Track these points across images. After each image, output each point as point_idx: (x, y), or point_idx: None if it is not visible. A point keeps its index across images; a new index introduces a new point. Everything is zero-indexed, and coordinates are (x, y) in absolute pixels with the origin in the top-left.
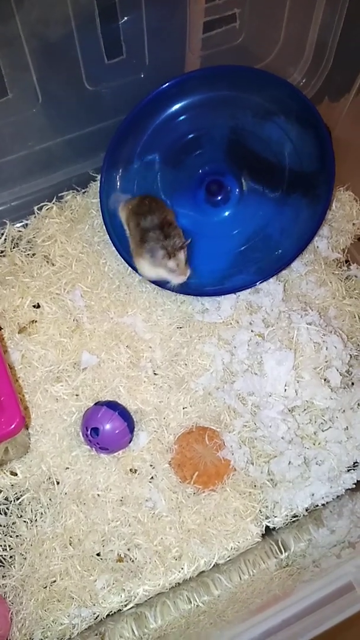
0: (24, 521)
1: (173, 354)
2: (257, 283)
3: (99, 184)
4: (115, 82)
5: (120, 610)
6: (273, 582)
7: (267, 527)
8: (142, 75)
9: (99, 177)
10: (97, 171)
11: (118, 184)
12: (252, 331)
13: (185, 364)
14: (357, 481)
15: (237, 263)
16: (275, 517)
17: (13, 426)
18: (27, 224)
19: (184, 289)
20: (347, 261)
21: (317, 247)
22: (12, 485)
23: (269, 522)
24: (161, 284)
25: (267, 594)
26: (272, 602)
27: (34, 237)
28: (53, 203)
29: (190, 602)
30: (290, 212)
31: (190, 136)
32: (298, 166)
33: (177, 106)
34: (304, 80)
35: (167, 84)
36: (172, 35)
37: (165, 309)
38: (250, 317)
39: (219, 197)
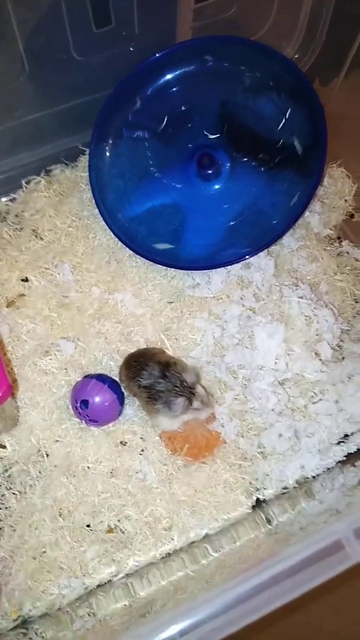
0: (13, 493)
1: (164, 328)
2: (248, 256)
3: (88, 158)
4: (104, 53)
5: (110, 580)
6: (260, 548)
7: (257, 499)
8: (132, 46)
9: (87, 150)
10: (86, 145)
11: (108, 157)
12: (243, 305)
13: (176, 339)
14: (348, 453)
15: (229, 237)
16: (265, 489)
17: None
18: (15, 198)
19: (176, 264)
20: (338, 237)
21: (309, 223)
22: (1, 458)
23: (259, 494)
24: (152, 257)
25: (254, 559)
26: (256, 564)
27: (22, 211)
28: (41, 177)
29: (180, 572)
30: (282, 187)
31: (181, 109)
32: (291, 141)
33: (168, 77)
34: (297, 55)
35: (157, 54)
36: (162, 5)
37: (156, 284)
38: (241, 292)
39: (210, 171)
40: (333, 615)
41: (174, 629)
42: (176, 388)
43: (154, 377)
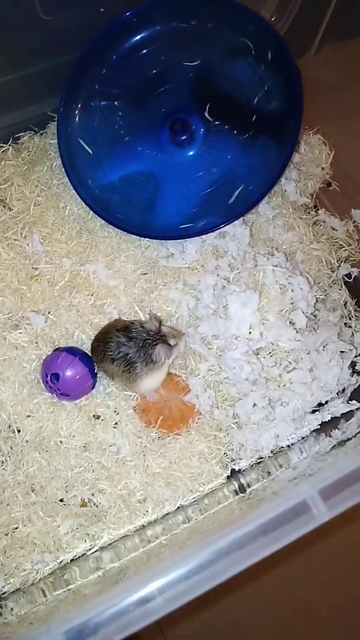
0: None
1: (138, 300)
2: (222, 225)
3: (56, 124)
4: (73, 12)
5: (84, 554)
6: (233, 513)
7: (232, 470)
8: (102, 5)
9: (56, 117)
10: (55, 111)
11: (77, 123)
12: (217, 275)
13: (151, 310)
14: (322, 422)
15: (204, 205)
16: (240, 459)
17: None
18: None
19: (149, 233)
20: (315, 207)
21: (285, 190)
22: None
23: (234, 464)
24: (125, 227)
25: (226, 523)
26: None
27: None
28: (9, 145)
29: (153, 542)
30: (258, 154)
31: (154, 72)
32: (266, 107)
33: (139, 38)
34: (272, 19)
35: (128, 12)
36: None
37: (129, 254)
38: (216, 262)
39: (184, 137)
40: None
41: (147, 589)
42: (147, 340)
43: (123, 345)
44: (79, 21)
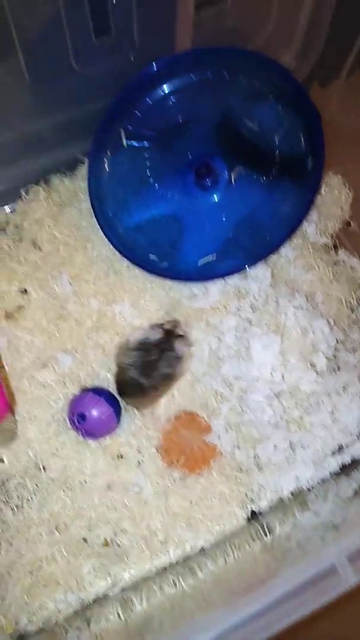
0: (10, 507)
1: None
2: (246, 268)
3: (87, 168)
4: (104, 64)
5: (106, 594)
6: (258, 564)
7: (252, 512)
8: (131, 57)
9: (87, 160)
10: (85, 154)
11: (106, 167)
12: (239, 316)
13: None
14: (342, 465)
15: (227, 247)
16: (260, 500)
17: None
18: (14, 209)
19: (173, 275)
20: (335, 246)
21: (306, 231)
22: None
23: (254, 505)
24: (149, 269)
25: (252, 577)
26: (256, 585)
27: (21, 221)
28: (40, 186)
29: (176, 586)
30: (280, 197)
31: (179, 119)
32: (288, 150)
33: (165, 88)
34: (294, 63)
35: (155, 64)
36: (162, 15)
37: (153, 294)
38: (238, 303)
39: (208, 181)
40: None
41: None
42: (163, 344)
43: (140, 366)
44: (109, 72)
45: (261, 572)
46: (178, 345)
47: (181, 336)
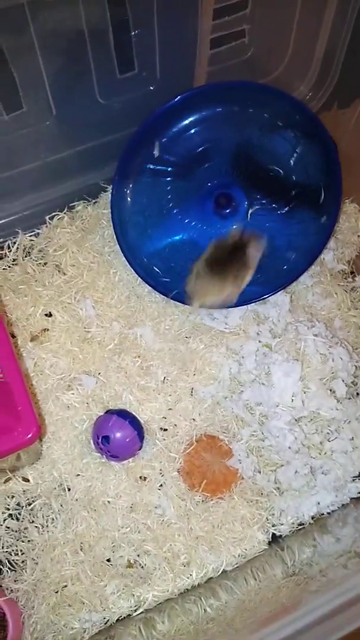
0: (36, 526)
1: (182, 363)
2: (266, 296)
3: (109, 195)
4: (127, 96)
5: (129, 615)
6: (281, 591)
7: (273, 535)
8: (153, 88)
9: (109, 187)
10: (107, 182)
11: (129, 195)
12: (259, 341)
13: (194, 374)
14: None
15: None
16: (281, 524)
17: (29, 436)
18: (39, 233)
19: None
20: (352, 272)
21: (324, 259)
22: (24, 491)
23: (275, 529)
24: (168, 294)
25: (275, 604)
26: (280, 613)
27: (45, 246)
28: (64, 213)
29: (198, 607)
30: (298, 226)
31: (199, 149)
32: (305, 179)
33: (185, 120)
34: (310, 93)
35: (175, 99)
36: (182, 50)
37: (174, 318)
38: (257, 328)
39: (228, 210)
40: None
41: None
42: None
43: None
44: (131, 102)
45: (284, 598)
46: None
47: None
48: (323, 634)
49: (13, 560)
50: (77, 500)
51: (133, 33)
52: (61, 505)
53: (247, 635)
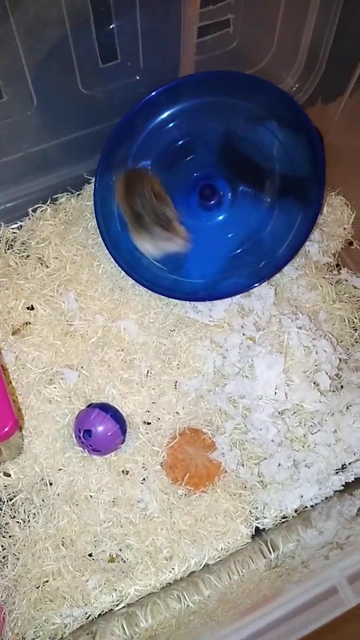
0: (17, 522)
1: (165, 356)
2: (250, 288)
3: (93, 187)
4: (110, 86)
5: (111, 610)
6: (262, 582)
7: (256, 528)
8: (137, 78)
9: (93, 179)
10: (91, 174)
11: (112, 187)
12: (243, 334)
13: (178, 367)
14: (345, 483)
15: (230, 267)
16: (264, 518)
17: (6, 429)
18: (21, 226)
19: (177, 294)
20: (337, 265)
21: (308, 251)
22: (5, 486)
23: (258, 523)
24: (153, 287)
25: (256, 595)
26: (260, 603)
27: (28, 238)
28: (47, 205)
29: (181, 602)
30: (282, 217)
31: (182, 140)
32: (289, 171)
33: (169, 111)
34: (297, 85)
35: (158, 90)
36: (166, 39)
37: (158, 311)
38: (241, 321)
39: (212, 202)
40: None
41: None
42: (156, 218)
43: (144, 208)
44: (115, 93)
45: (266, 590)
46: (156, 229)
47: (166, 229)
48: (300, 625)
49: None
50: (58, 494)
51: (115, 21)
52: (43, 500)
53: (226, 626)
